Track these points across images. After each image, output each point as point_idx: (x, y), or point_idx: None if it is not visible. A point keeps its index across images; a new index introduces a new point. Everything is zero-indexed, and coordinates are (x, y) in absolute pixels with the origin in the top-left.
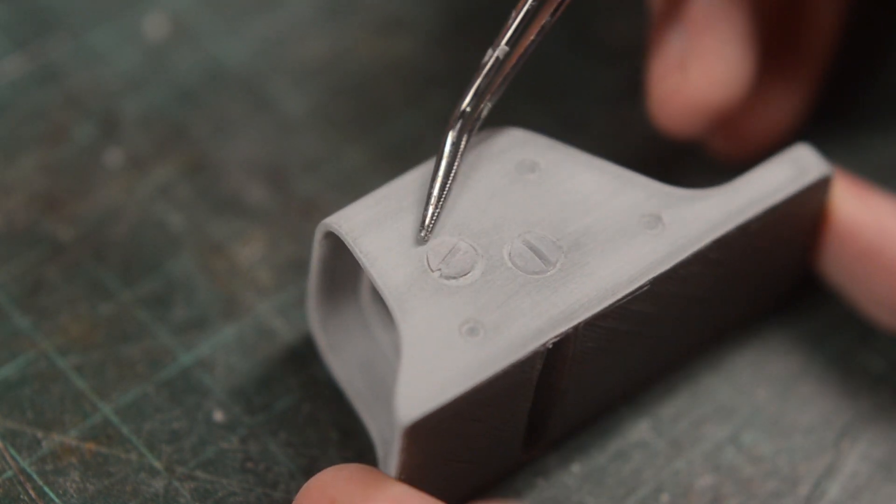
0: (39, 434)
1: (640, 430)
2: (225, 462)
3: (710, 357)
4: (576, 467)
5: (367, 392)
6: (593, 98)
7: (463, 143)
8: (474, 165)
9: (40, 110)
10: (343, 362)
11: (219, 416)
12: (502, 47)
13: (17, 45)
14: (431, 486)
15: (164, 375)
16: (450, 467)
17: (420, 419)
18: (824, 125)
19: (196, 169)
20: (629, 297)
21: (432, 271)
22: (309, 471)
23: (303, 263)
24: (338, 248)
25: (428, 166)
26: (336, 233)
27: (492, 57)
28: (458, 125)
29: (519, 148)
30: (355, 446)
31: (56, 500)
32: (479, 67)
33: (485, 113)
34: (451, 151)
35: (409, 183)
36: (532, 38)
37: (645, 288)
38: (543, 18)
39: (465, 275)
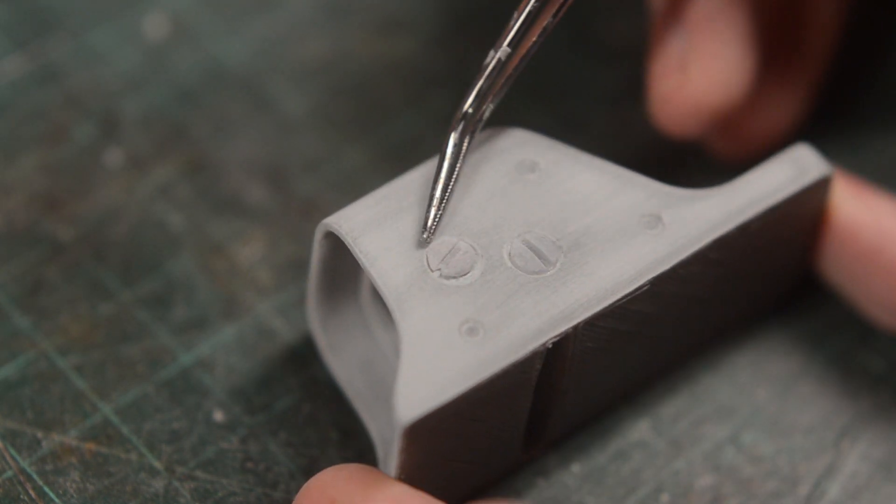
0: (39, 434)
1: (640, 430)
2: (225, 462)
3: (710, 357)
4: (576, 467)
5: (367, 392)
6: (593, 98)
7: (465, 144)
8: (474, 165)
9: (40, 110)
10: (343, 362)
11: (219, 416)
12: (504, 48)
13: (17, 45)
14: (431, 486)
15: (164, 375)
16: (450, 467)
17: (420, 419)
18: (824, 125)
19: (196, 169)
20: (629, 297)
21: (432, 271)
22: (309, 471)
23: (303, 263)
24: (338, 248)
25: (428, 166)
26: (336, 233)
27: (494, 58)
28: (460, 126)
29: (519, 148)
30: (355, 446)
31: (56, 500)
32: (480, 69)
33: (487, 114)
34: (453, 153)
35: (409, 183)
36: (534, 39)
37: (645, 288)
38: (545, 19)
39: (465, 275)
